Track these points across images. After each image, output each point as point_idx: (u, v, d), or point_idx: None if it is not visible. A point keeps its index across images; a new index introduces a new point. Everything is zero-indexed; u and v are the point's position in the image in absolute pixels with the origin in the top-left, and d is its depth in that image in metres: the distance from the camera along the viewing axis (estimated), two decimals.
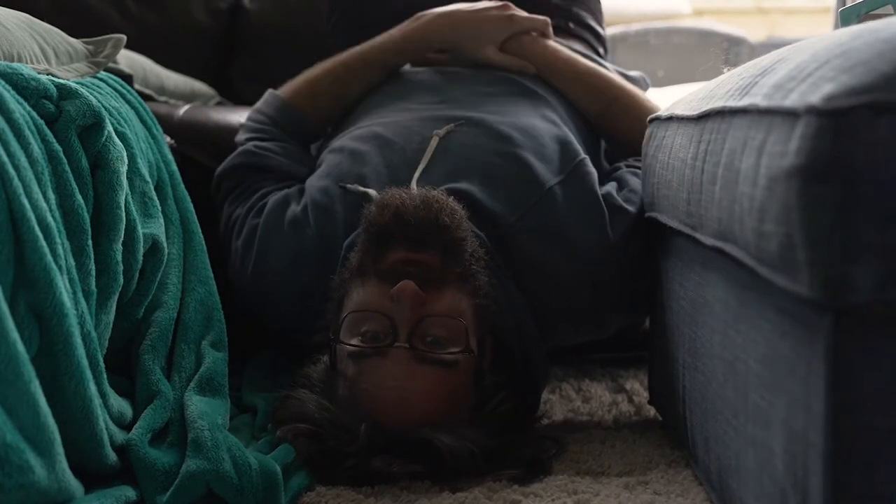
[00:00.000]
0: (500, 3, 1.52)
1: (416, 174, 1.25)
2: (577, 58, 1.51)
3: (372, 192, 1.22)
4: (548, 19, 1.53)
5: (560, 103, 1.44)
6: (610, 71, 1.58)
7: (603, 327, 1.35)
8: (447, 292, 1.07)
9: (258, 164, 1.40)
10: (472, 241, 1.12)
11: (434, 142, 1.29)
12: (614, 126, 1.45)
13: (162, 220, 1.15)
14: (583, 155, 1.31)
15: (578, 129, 1.41)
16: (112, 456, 0.93)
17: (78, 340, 0.87)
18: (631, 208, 1.27)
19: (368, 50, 1.50)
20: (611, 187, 1.31)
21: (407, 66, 1.55)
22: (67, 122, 0.98)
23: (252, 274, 1.30)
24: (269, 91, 1.52)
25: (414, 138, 1.31)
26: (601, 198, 1.26)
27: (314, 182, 1.32)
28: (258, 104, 1.52)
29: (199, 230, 1.25)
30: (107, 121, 1.03)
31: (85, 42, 1.28)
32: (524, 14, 1.52)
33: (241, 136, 1.47)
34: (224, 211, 1.39)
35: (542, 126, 1.34)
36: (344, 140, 1.37)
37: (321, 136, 1.50)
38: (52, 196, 0.91)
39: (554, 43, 1.52)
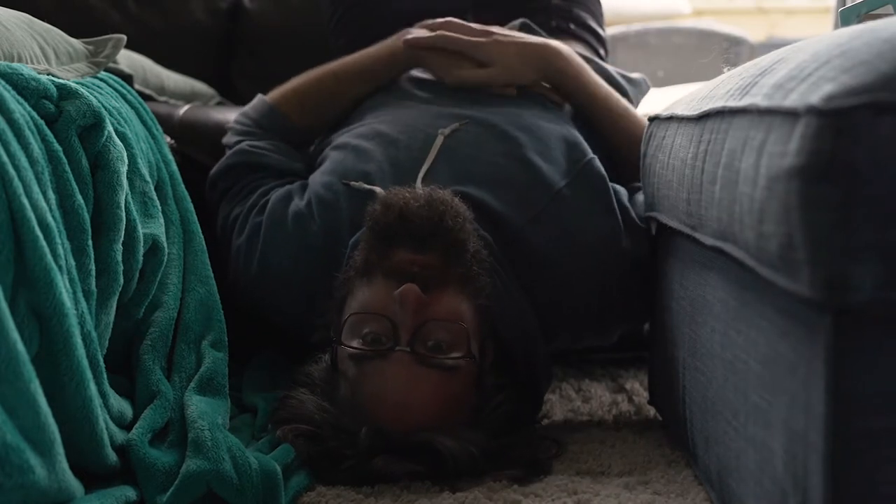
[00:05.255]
0: (482, 29, 1.43)
1: (421, 173, 1.24)
2: (614, 97, 1.44)
3: (378, 189, 1.21)
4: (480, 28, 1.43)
5: (565, 109, 1.43)
6: (610, 72, 1.57)
7: (606, 334, 1.35)
8: (449, 294, 1.07)
9: (255, 163, 1.40)
10: (474, 243, 1.12)
11: (439, 140, 1.28)
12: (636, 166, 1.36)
13: (162, 220, 1.15)
14: (591, 155, 1.30)
15: (585, 136, 1.38)
16: (112, 456, 0.93)
17: (78, 340, 0.87)
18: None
19: (359, 62, 1.48)
20: (625, 198, 1.29)
21: None
22: (68, 122, 0.98)
23: (257, 271, 1.29)
24: (259, 96, 1.50)
25: (418, 136, 1.30)
26: (616, 203, 1.25)
27: (317, 178, 1.32)
28: (246, 108, 1.50)
29: (200, 230, 1.25)
30: (107, 121, 1.03)
31: (85, 42, 1.28)
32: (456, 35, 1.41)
33: (228, 139, 1.46)
34: (220, 210, 1.38)
35: (547, 126, 1.33)
36: (347, 137, 1.37)
37: (307, 143, 1.48)
38: (52, 196, 0.91)
39: (597, 77, 1.44)
